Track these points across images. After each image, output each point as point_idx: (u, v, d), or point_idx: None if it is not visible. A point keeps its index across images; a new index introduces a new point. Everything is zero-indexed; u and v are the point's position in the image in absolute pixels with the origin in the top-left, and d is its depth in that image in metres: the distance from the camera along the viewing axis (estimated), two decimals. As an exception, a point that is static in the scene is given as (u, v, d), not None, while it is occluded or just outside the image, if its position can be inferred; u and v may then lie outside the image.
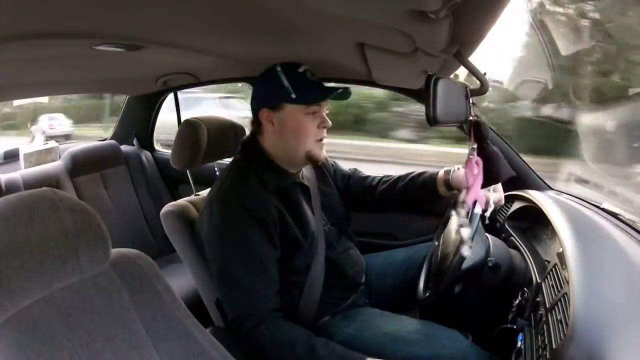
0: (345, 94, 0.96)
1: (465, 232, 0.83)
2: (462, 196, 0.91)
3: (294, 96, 0.90)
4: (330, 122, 0.95)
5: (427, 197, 1.07)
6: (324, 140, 0.97)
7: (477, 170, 0.84)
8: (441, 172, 1.04)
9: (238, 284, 0.87)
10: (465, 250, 0.80)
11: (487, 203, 0.83)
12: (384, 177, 1.16)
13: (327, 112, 0.97)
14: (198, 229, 0.97)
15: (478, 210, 0.79)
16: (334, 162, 1.19)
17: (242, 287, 0.87)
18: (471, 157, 0.84)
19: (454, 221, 0.91)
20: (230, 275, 0.88)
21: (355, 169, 1.21)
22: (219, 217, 0.90)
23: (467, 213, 0.84)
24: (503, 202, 1.02)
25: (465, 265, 0.78)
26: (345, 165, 1.22)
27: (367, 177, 1.18)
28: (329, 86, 0.96)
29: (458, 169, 1.01)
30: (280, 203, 0.91)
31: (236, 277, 0.87)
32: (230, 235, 0.88)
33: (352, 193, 1.16)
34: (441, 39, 0.65)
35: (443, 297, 0.86)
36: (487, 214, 0.82)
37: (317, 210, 1.00)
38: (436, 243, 0.99)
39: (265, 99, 0.94)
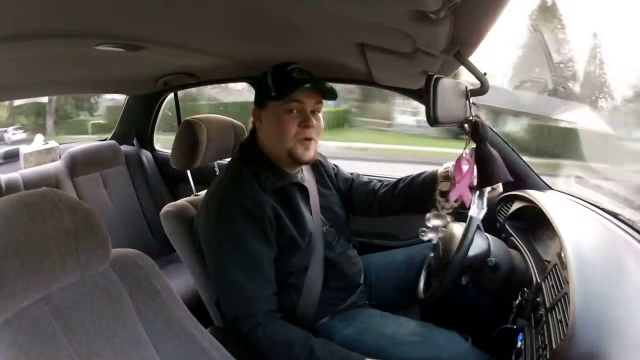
0: (328, 91, 0.92)
1: (436, 222, 0.86)
2: (442, 185, 0.94)
3: (273, 93, 0.91)
4: (314, 121, 0.92)
5: (428, 195, 1.07)
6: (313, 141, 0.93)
7: (467, 168, 0.84)
8: (441, 169, 1.05)
9: (234, 286, 0.87)
10: (434, 238, 0.84)
11: (480, 204, 0.83)
12: (385, 181, 1.16)
13: (321, 112, 0.95)
14: (196, 229, 0.97)
15: (474, 213, 0.80)
16: (335, 165, 1.19)
17: (239, 289, 0.87)
18: (463, 154, 0.85)
19: (427, 217, 0.94)
20: (227, 277, 0.88)
21: (358, 174, 1.21)
22: (215, 217, 0.90)
23: (445, 207, 0.88)
24: (500, 188, 1.02)
25: (471, 252, 0.80)
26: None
27: (370, 181, 1.18)
28: (304, 80, 0.90)
29: None
30: (277, 203, 0.91)
31: (232, 279, 0.87)
32: (226, 236, 0.88)
33: (354, 197, 1.16)
34: (441, 39, 0.65)
35: (444, 296, 0.86)
36: (480, 216, 0.81)
37: (316, 211, 1.00)
38: (431, 254, 1.00)
39: (256, 98, 0.96)
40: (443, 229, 0.89)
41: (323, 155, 1.15)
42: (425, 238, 0.89)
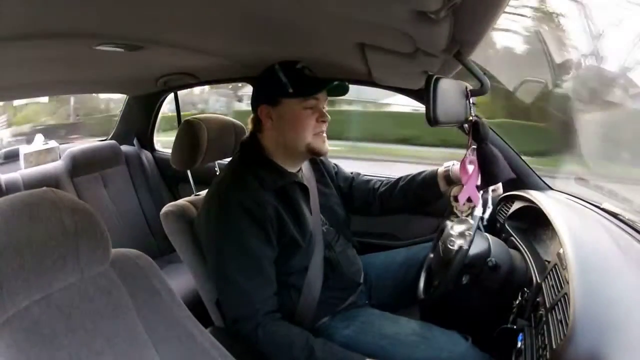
0: (342, 88, 0.98)
1: (460, 228, 0.85)
2: (454, 191, 0.94)
3: (291, 90, 0.92)
4: (329, 116, 0.96)
5: (428, 194, 1.08)
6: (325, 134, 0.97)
7: (472, 170, 0.84)
8: (441, 168, 1.05)
9: (235, 286, 0.87)
10: (464, 244, 0.83)
11: (485, 203, 0.83)
12: (385, 179, 1.16)
13: (326, 108, 0.98)
14: (197, 230, 0.97)
15: (478, 212, 0.80)
16: (336, 164, 1.19)
17: (239, 289, 0.87)
18: (466, 156, 0.85)
19: (450, 226, 0.93)
20: (227, 277, 0.88)
21: (358, 173, 1.22)
22: (216, 217, 0.90)
23: (462, 211, 0.87)
24: (501, 190, 1.05)
25: (471, 252, 0.79)
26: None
27: (370, 180, 1.19)
28: (325, 79, 0.97)
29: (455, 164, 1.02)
30: (278, 202, 0.92)
31: (233, 279, 0.87)
32: (227, 236, 0.88)
33: (355, 196, 1.16)
34: (441, 39, 0.65)
35: (444, 296, 0.86)
36: (486, 215, 0.82)
37: (316, 211, 1.00)
38: (431, 255, 1.00)
39: (264, 95, 0.96)
40: (469, 232, 0.87)
41: None
42: (455, 247, 0.86)
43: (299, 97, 0.92)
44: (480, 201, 0.82)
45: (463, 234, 0.88)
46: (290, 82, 0.92)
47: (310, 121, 0.94)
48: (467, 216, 0.91)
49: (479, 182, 0.84)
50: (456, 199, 0.94)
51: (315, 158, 1.08)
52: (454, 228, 0.90)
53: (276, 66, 0.94)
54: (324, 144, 0.97)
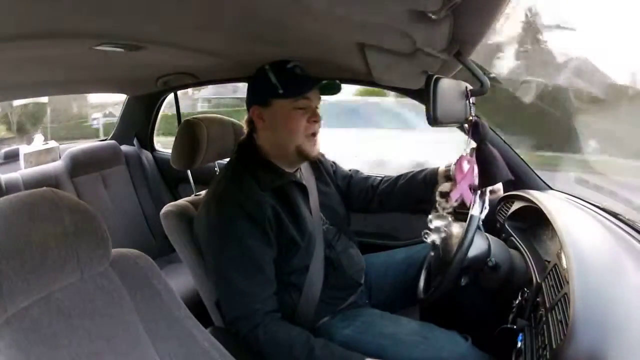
0: (334, 86, 0.97)
1: (437, 223, 0.89)
2: (442, 187, 0.95)
3: (281, 91, 0.91)
4: (321, 117, 0.96)
5: (429, 193, 1.07)
6: (317, 136, 0.97)
7: (467, 168, 0.85)
8: (442, 167, 1.05)
9: (234, 286, 0.87)
10: (436, 239, 0.86)
11: (482, 204, 0.83)
12: (385, 177, 1.16)
13: (319, 108, 0.97)
14: (196, 230, 0.97)
15: (476, 212, 0.80)
16: (334, 162, 1.19)
17: (238, 289, 0.87)
18: (463, 154, 0.85)
19: (429, 219, 0.94)
20: (227, 277, 0.88)
21: (357, 170, 1.21)
22: (215, 218, 0.90)
23: (444, 208, 0.90)
24: (501, 192, 1.04)
25: (471, 252, 0.80)
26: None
27: (369, 177, 1.18)
28: (314, 78, 0.95)
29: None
30: (277, 202, 0.91)
31: (232, 279, 0.87)
32: (226, 237, 0.88)
33: (353, 194, 1.16)
34: (441, 39, 0.65)
35: (444, 296, 0.86)
36: (482, 215, 0.82)
37: (315, 210, 1.00)
38: (432, 254, 1.01)
39: (255, 96, 0.96)
40: (445, 229, 0.89)
41: (321, 153, 1.15)
42: (429, 240, 0.89)
43: (289, 97, 0.91)
44: (479, 201, 0.82)
45: (439, 230, 0.89)
46: (280, 83, 0.91)
47: (301, 122, 0.93)
48: (448, 213, 0.92)
49: (475, 182, 0.84)
50: (442, 195, 0.95)
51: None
52: (433, 222, 0.92)
53: (266, 67, 0.93)
54: (314, 147, 0.96)
